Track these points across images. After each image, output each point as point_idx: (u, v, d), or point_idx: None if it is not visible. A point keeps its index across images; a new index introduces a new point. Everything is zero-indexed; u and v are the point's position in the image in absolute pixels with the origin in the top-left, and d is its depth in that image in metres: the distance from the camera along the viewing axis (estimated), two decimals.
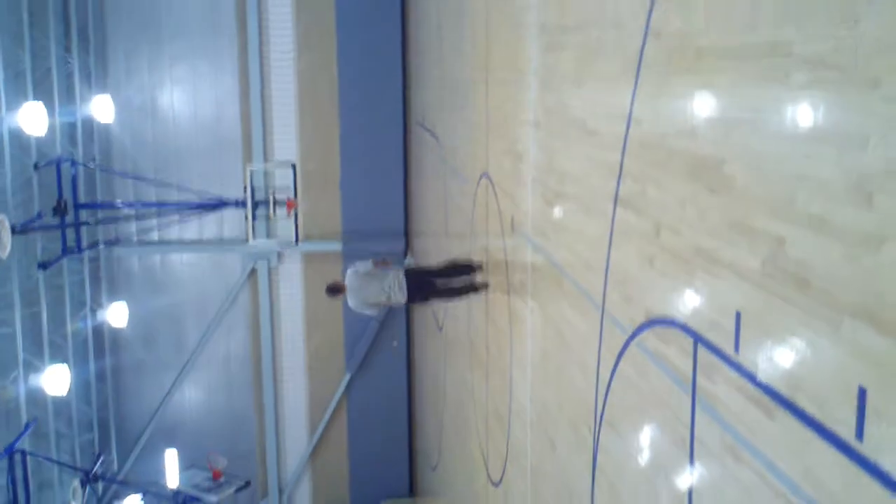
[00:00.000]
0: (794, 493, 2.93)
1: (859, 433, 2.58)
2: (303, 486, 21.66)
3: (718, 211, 3.52)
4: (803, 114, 2.90)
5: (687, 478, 3.84)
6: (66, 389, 16.17)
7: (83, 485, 16.84)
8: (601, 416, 5.09)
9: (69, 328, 17.73)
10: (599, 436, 5.15)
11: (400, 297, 9.35)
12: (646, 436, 4.41)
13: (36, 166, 15.95)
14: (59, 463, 16.26)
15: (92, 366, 19.18)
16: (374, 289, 9.27)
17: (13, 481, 13.80)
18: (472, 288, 9.46)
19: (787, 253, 2.98)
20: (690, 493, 3.81)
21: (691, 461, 3.80)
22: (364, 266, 9.53)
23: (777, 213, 3.04)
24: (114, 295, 19.95)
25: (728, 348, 3.43)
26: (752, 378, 3.23)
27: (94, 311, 19.28)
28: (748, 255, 3.25)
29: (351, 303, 9.45)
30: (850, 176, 2.63)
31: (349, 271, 9.48)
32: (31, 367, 15.77)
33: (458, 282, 9.66)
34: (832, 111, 2.75)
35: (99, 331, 19.76)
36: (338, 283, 9.43)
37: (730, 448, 3.41)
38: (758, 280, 3.18)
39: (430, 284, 9.63)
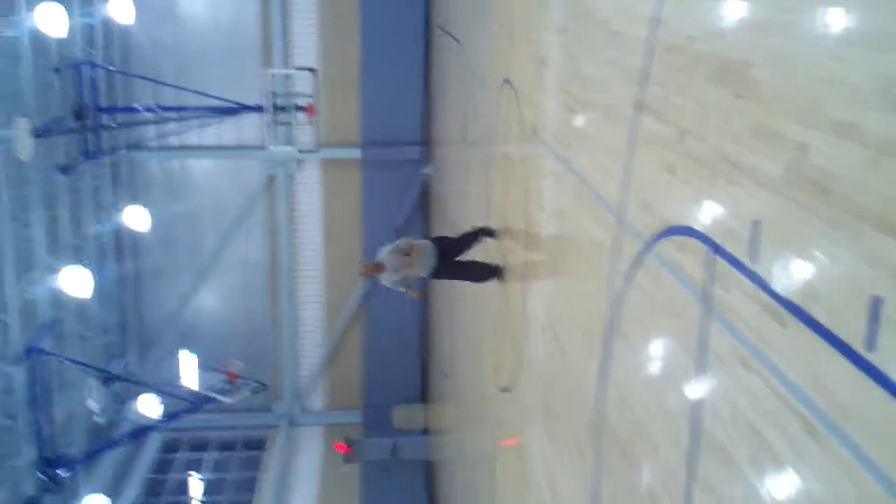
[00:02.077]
0: (802, 401, 2.94)
1: (871, 343, 2.57)
2: (317, 391, 22.08)
3: (743, 117, 3.45)
4: (833, 16, 2.81)
5: (696, 386, 3.86)
6: (88, 292, 16.38)
7: (102, 385, 17.18)
8: (614, 325, 5.10)
9: (90, 232, 17.87)
10: (611, 344, 5.17)
11: (426, 272, 9.24)
12: (657, 344, 4.43)
13: (56, 70, 15.85)
14: (78, 363, 16.56)
15: (112, 269, 19.40)
16: (419, 266, 9.12)
17: (34, 381, 14.09)
18: (493, 272, 9.30)
19: (811, 160, 2.92)
20: (699, 401, 3.83)
21: (702, 370, 3.81)
22: (400, 245, 9.06)
23: (802, 119, 2.98)
24: (134, 199, 20.06)
25: (744, 257, 3.40)
26: (766, 287, 3.20)
27: (114, 215, 19.41)
28: (770, 162, 3.20)
29: (387, 281, 9.13)
30: (879, 80, 2.56)
31: (386, 249, 9.03)
32: (53, 269, 15.96)
33: (480, 267, 9.50)
34: (862, 13, 2.66)
35: (119, 234, 19.95)
36: (377, 263, 9.02)
37: (741, 357, 3.41)
38: (779, 188, 3.13)
39: (455, 264, 9.47)
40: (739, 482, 3.40)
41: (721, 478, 3.57)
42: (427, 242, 9.33)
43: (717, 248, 3.67)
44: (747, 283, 3.36)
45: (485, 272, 9.45)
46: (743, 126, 3.46)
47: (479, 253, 9.87)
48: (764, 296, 3.22)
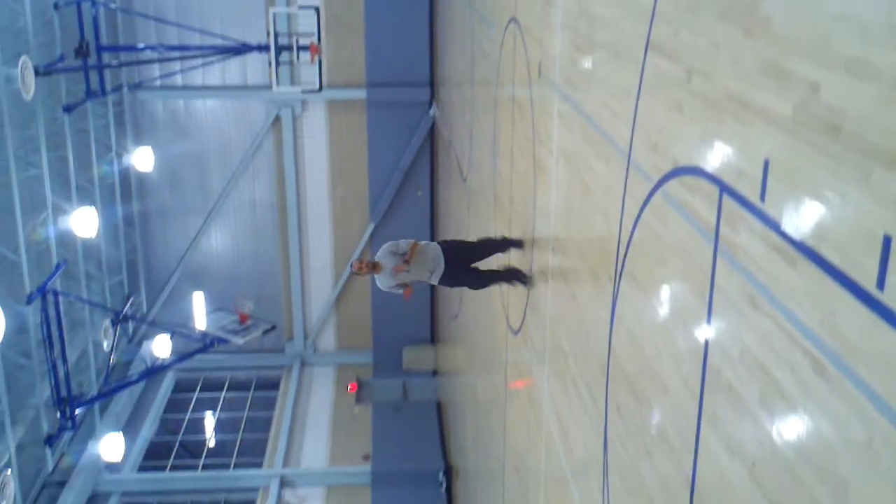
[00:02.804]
0: (810, 340, 2.95)
1: (881, 282, 2.56)
2: (327, 332, 22.25)
3: (752, 54, 3.40)
4: None
5: (704, 326, 3.87)
6: (95, 232, 16.44)
7: (114, 325, 17.35)
8: (622, 266, 5.10)
9: (96, 172, 17.88)
10: (619, 285, 5.18)
11: (433, 279, 8.25)
12: (666, 285, 4.43)
13: (56, 6, 15.68)
14: (89, 303, 16.70)
15: (119, 209, 19.44)
16: (417, 272, 8.12)
17: (46, 320, 14.21)
18: (514, 276, 8.40)
19: (821, 98, 2.88)
20: (708, 341, 3.85)
21: (709, 310, 3.82)
22: (402, 246, 8.13)
23: (813, 57, 2.93)
24: (139, 140, 20.00)
25: (754, 197, 3.38)
26: (776, 227, 3.19)
27: (119, 156, 19.38)
28: (780, 101, 3.16)
29: (383, 284, 8.27)
30: (892, 16, 2.51)
31: (385, 249, 8.16)
32: (60, 209, 15.99)
33: (500, 277, 8.64)
34: None
35: (125, 175, 19.94)
36: (373, 262, 8.10)
37: (749, 297, 3.42)
38: (789, 127, 3.10)
39: (467, 271, 8.46)
40: (748, 421, 3.42)
41: (730, 417, 3.60)
42: (433, 245, 8.34)
43: (725, 188, 3.64)
44: (756, 222, 3.34)
45: (504, 276, 8.57)
46: (752, 64, 3.41)
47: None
48: (773, 235, 3.21)
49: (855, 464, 2.67)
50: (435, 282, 8.28)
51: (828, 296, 2.83)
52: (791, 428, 3.09)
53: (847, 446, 2.72)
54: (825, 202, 2.87)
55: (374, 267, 8.04)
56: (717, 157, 3.77)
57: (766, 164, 3.28)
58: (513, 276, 8.45)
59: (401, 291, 8.22)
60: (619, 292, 5.20)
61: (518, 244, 8.52)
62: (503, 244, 8.82)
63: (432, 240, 21.05)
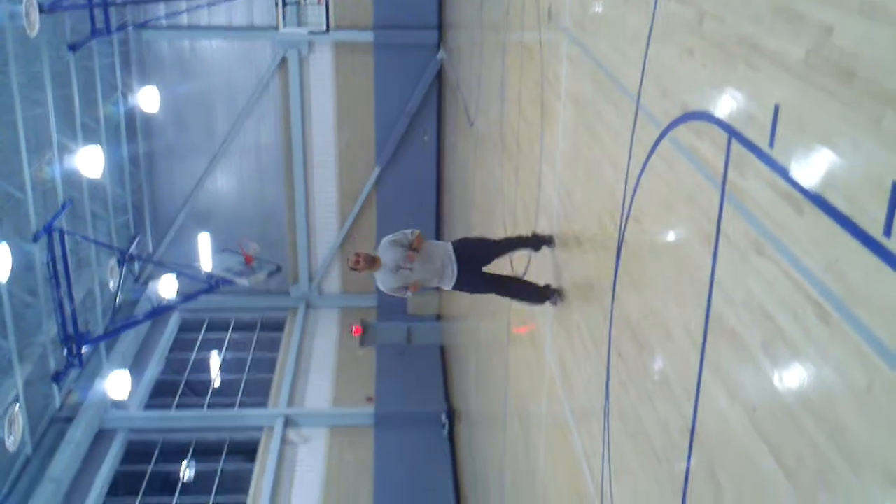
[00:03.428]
0: (814, 286, 2.95)
1: (887, 229, 2.56)
2: (332, 275, 22.34)
3: None
4: None
5: (709, 272, 3.87)
6: (101, 171, 16.44)
7: (119, 264, 17.42)
8: (628, 212, 5.09)
9: (101, 111, 17.79)
10: (625, 231, 5.17)
11: (446, 284, 7.05)
12: (671, 231, 4.42)
13: None
14: (96, 242, 16.75)
15: (125, 149, 19.40)
16: (422, 271, 6.96)
17: (53, 259, 14.27)
18: (545, 293, 7.09)
19: (834, 42, 2.85)
20: (713, 287, 3.85)
21: (715, 256, 3.81)
22: (403, 238, 7.11)
23: None
24: (144, 79, 19.88)
25: (763, 143, 3.36)
26: (784, 173, 3.17)
27: (125, 95, 19.28)
28: (793, 45, 3.12)
29: (383, 284, 7.13)
30: None
31: (387, 242, 7.12)
32: (66, 148, 15.96)
33: (524, 286, 7.36)
34: None
35: (131, 115, 19.85)
36: (372, 256, 7.03)
37: (754, 242, 3.41)
38: (800, 71, 3.06)
39: (486, 278, 7.26)
40: (750, 367, 3.44)
41: (732, 363, 3.62)
42: (445, 245, 7.16)
43: (734, 134, 3.62)
44: (765, 168, 3.32)
45: (534, 293, 7.19)
46: (764, 7, 3.36)
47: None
48: (781, 182, 3.19)
49: (854, 409, 2.69)
50: (447, 286, 7.04)
51: (833, 242, 2.83)
52: (792, 373, 3.11)
53: (847, 392, 2.74)
54: (834, 148, 2.85)
55: (374, 262, 6.95)
56: (727, 102, 3.74)
57: (777, 109, 3.25)
58: (540, 292, 7.12)
59: (405, 294, 7.14)
60: (624, 238, 5.20)
61: (549, 240, 7.21)
62: (531, 242, 7.45)
63: (438, 196, 21.06)
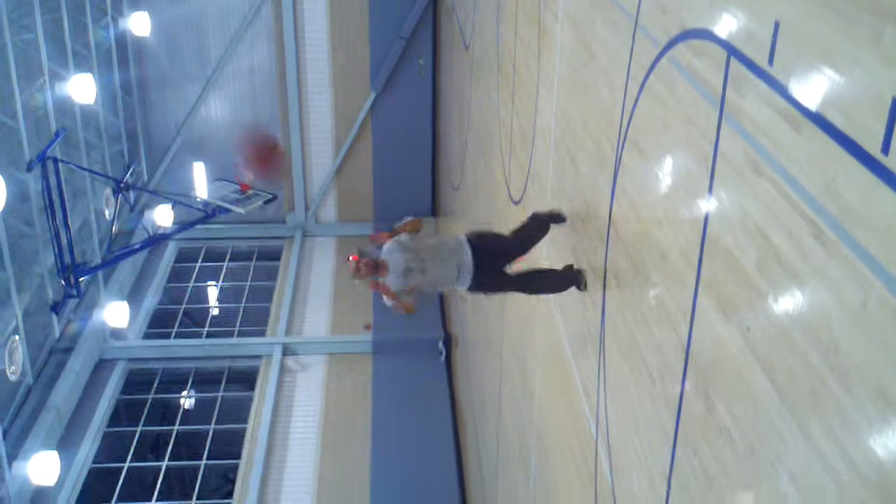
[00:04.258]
0: (810, 205, 2.93)
1: (885, 147, 2.53)
2: (328, 203, 22.28)
3: None
4: None
5: (706, 193, 3.85)
6: (93, 98, 16.26)
7: (115, 193, 17.36)
8: (625, 133, 5.04)
9: (92, 37, 17.52)
10: (622, 153, 5.13)
11: (461, 285, 6.25)
12: (669, 151, 4.39)
13: None
14: (90, 171, 16.65)
15: (117, 76, 19.16)
16: (436, 273, 6.18)
17: (48, 188, 14.21)
18: (568, 279, 6.27)
19: None
20: (709, 208, 3.83)
21: (712, 177, 3.79)
22: (409, 241, 6.34)
23: None
24: (134, 4, 19.53)
25: (762, 61, 3.31)
26: (783, 91, 3.13)
27: (115, 20, 18.95)
28: None
29: (395, 284, 6.30)
30: None
31: (391, 245, 6.35)
32: (57, 76, 15.75)
33: (548, 277, 6.50)
34: None
35: (122, 40, 19.56)
36: (375, 260, 6.31)
37: (752, 162, 3.38)
38: None
39: (506, 278, 6.44)
40: (745, 287, 3.44)
41: (727, 283, 3.62)
42: (459, 240, 6.29)
43: (733, 52, 3.56)
44: (763, 87, 3.28)
45: (558, 281, 6.41)
46: None
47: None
48: (780, 100, 3.15)
49: (848, 327, 2.70)
50: (462, 287, 6.25)
51: (831, 161, 2.80)
52: (786, 293, 3.11)
53: (841, 310, 2.74)
54: (834, 65, 2.80)
55: (378, 267, 6.25)
56: (726, 19, 3.67)
57: (777, 26, 3.19)
58: (564, 279, 6.35)
59: (407, 299, 6.41)
60: (621, 160, 5.16)
61: (559, 218, 6.57)
62: (541, 223, 6.64)
63: (434, 121, 20.86)
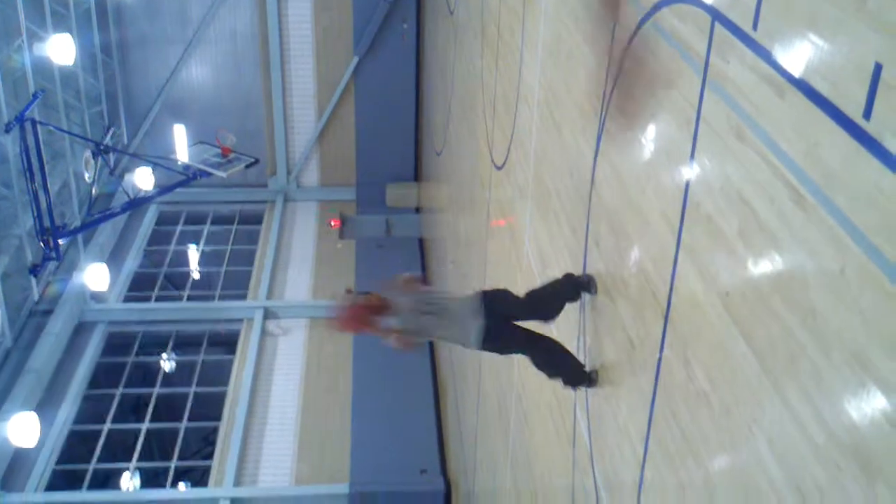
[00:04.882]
0: (793, 171, 2.94)
1: (867, 112, 2.53)
2: (311, 167, 22.18)
3: None
4: None
5: (688, 159, 3.85)
6: (72, 59, 16.06)
7: (94, 156, 17.18)
8: (609, 99, 5.03)
9: None
10: (605, 119, 5.13)
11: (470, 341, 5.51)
12: (652, 117, 4.38)
13: None
14: (69, 133, 16.48)
15: (96, 37, 18.91)
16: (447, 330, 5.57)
17: (26, 150, 14.05)
18: (583, 377, 5.47)
19: None
20: (691, 173, 3.84)
21: (694, 142, 3.79)
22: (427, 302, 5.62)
23: None
24: None
25: (746, 26, 3.30)
26: (767, 57, 3.13)
27: None
28: None
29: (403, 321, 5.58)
30: None
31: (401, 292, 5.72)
32: (35, 36, 15.53)
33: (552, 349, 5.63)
34: None
35: (101, 2, 19.27)
36: (380, 300, 5.71)
37: (735, 128, 3.39)
38: None
39: (513, 334, 5.59)
40: (725, 253, 3.46)
41: (707, 249, 3.64)
42: (470, 299, 5.60)
43: (718, 16, 3.55)
44: (748, 52, 3.27)
45: (572, 369, 5.54)
46: None
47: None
48: (763, 65, 3.15)
49: (825, 292, 2.72)
50: (475, 346, 5.54)
51: (814, 126, 2.80)
52: (766, 258, 3.13)
53: (819, 275, 2.76)
54: (818, 30, 2.80)
55: (379, 308, 5.66)
56: None
57: None
58: (581, 376, 5.50)
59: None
60: (604, 126, 5.15)
61: (588, 286, 5.50)
62: (572, 287, 5.63)
63: (417, 85, 20.57)
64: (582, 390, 5.57)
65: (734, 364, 3.35)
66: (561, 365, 5.55)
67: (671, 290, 4.03)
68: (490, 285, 5.90)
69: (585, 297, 5.51)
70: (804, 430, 2.81)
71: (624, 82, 4.80)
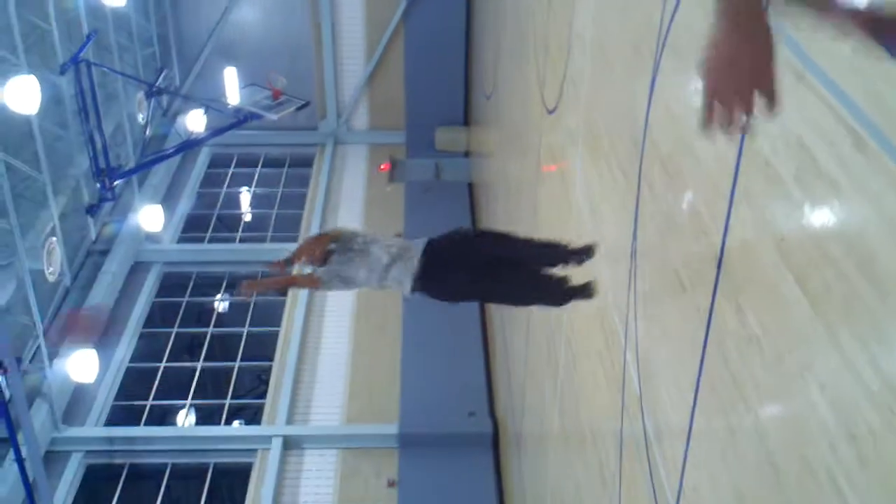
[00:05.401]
0: (854, 115, 2.87)
1: None
2: (360, 110, 22.17)
3: None
4: None
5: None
6: (124, 1, 16.15)
7: (147, 97, 17.36)
8: (665, 38, 4.94)
9: None
10: (661, 58, 5.04)
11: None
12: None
13: None
14: (122, 74, 16.64)
15: None
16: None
17: (81, 91, 14.24)
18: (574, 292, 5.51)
19: None
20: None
21: None
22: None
23: None
24: None
25: None
26: None
27: None
28: None
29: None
30: None
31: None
32: None
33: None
34: None
35: None
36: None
37: (795, 70, 3.31)
38: None
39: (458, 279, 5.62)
40: (783, 199, 3.41)
41: (763, 194, 3.59)
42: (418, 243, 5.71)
43: None
44: None
45: (558, 292, 5.60)
46: None
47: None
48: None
49: (885, 237, 2.67)
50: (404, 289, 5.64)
51: (877, 68, 2.73)
52: (824, 204, 3.07)
53: (879, 220, 2.71)
54: None
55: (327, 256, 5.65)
56: None
57: None
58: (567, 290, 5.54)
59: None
60: (659, 66, 5.07)
61: (588, 253, 5.62)
62: (564, 253, 5.71)
63: (468, 26, 20.43)
64: (633, 335, 5.57)
65: (788, 309, 3.32)
66: (535, 295, 5.53)
67: (725, 234, 3.99)
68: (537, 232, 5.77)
69: (636, 247, 5.44)
70: (858, 375, 2.79)
71: (681, 20, 4.71)
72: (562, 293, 5.47)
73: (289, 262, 5.84)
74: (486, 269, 5.45)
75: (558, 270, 5.67)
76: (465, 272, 5.49)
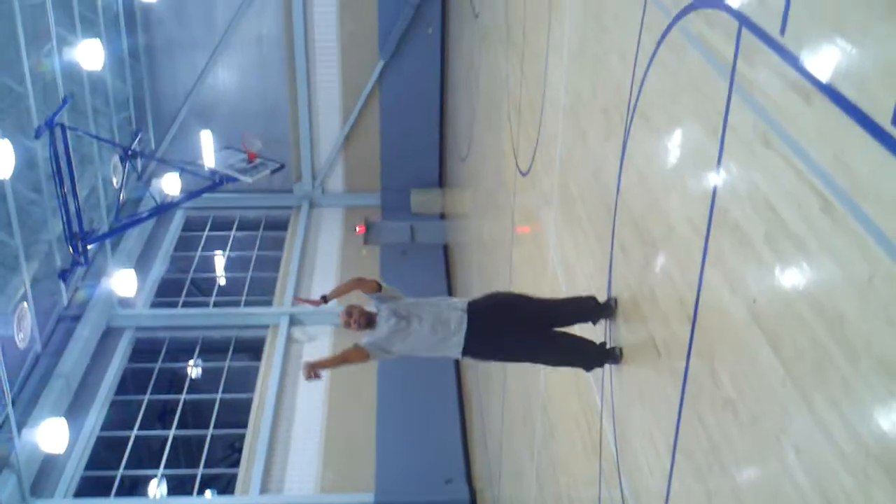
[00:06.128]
0: (820, 178, 2.91)
1: None
2: (336, 172, 22.25)
3: None
4: None
5: (715, 164, 3.83)
6: (101, 64, 16.22)
7: (122, 161, 17.35)
8: (635, 104, 5.01)
9: (99, 1, 17.45)
10: (631, 124, 5.11)
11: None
12: (678, 123, 4.36)
13: None
14: (98, 138, 16.64)
15: (125, 42, 19.10)
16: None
17: (55, 155, 14.20)
18: (601, 355, 5.47)
19: None
20: (718, 180, 3.81)
21: (721, 149, 3.77)
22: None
23: None
24: None
25: (774, 31, 3.27)
26: (794, 62, 3.10)
27: None
28: None
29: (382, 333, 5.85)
30: None
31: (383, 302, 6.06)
32: (64, 41, 15.70)
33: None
34: None
35: (130, 5, 19.48)
36: (370, 312, 6.06)
37: (762, 135, 3.36)
38: None
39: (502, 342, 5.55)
40: (752, 260, 3.43)
41: (734, 256, 3.61)
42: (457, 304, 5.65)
43: (745, 22, 3.53)
44: (775, 58, 3.25)
45: (584, 352, 5.58)
46: None
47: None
48: (791, 71, 3.12)
49: (853, 300, 2.69)
50: (455, 352, 5.56)
51: (841, 133, 2.78)
52: (793, 266, 3.10)
53: (847, 283, 2.73)
54: (846, 35, 2.77)
55: (363, 319, 5.97)
56: None
57: None
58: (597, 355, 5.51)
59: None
60: (630, 132, 5.13)
61: (608, 310, 5.49)
62: (587, 307, 5.63)
63: (442, 90, 20.67)
64: (608, 399, 5.54)
65: (761, 372, 3.32)
66: (573, 355, 5.57)
67: (698, 296, 4.00)
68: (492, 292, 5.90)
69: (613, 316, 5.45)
70: (832, 438, 2.78)
71: (650, 88, 4.78)
72: (596, 356, 5.49)
73: (324, 299, 6.11)
74: (525, 331, 5.53)
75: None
76: (509, 334, 5.52)
